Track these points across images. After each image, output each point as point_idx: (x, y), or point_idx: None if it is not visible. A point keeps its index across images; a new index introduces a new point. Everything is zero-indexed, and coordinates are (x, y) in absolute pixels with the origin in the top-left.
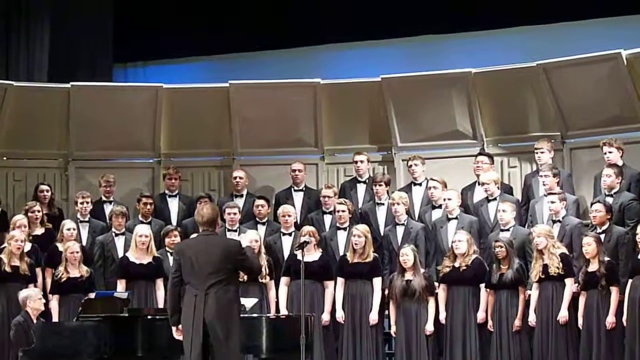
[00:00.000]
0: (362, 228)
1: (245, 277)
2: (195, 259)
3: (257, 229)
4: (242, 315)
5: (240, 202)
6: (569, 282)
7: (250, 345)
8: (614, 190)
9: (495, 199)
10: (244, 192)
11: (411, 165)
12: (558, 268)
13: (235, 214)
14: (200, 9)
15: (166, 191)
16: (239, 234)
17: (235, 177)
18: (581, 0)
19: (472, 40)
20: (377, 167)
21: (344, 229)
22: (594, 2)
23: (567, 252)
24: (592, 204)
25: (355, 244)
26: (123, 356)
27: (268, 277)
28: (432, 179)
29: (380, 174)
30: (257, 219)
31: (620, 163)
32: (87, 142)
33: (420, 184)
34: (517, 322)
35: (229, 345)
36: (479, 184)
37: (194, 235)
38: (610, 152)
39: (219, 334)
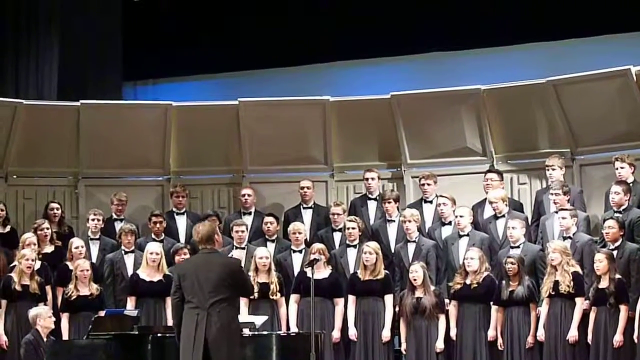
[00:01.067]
0: (373, 245)
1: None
2: (195, 277)
3: (266, 247)
4: (252, 332)
5: (248, 219)
6: (579, 301)
7: None
8: (622, 207)
9: (503, 216)
10: (252, 210)
11: (424, 184)
12: (569, 286)
13: (243, 231)
14: (209, 27)
15: (174, 209)
16: (246, 252)
17: (244, 195)
18: (590, 17)
19: (482, 57)
20: (387, 184)
21: (354, 246)
22: (603, 18)
23: (580, 272)
24: (604, 221)
25: (367, 260)
26: None
27: (279, 294)
28: (441, 196)
29: (388, 191)
30: (266, 236)
31: (630, 179)
32: (97, 160)
33: (430, 201)
34: (530, 339)
35: None
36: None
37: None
38: (622, 168)
39: (220, 352)
